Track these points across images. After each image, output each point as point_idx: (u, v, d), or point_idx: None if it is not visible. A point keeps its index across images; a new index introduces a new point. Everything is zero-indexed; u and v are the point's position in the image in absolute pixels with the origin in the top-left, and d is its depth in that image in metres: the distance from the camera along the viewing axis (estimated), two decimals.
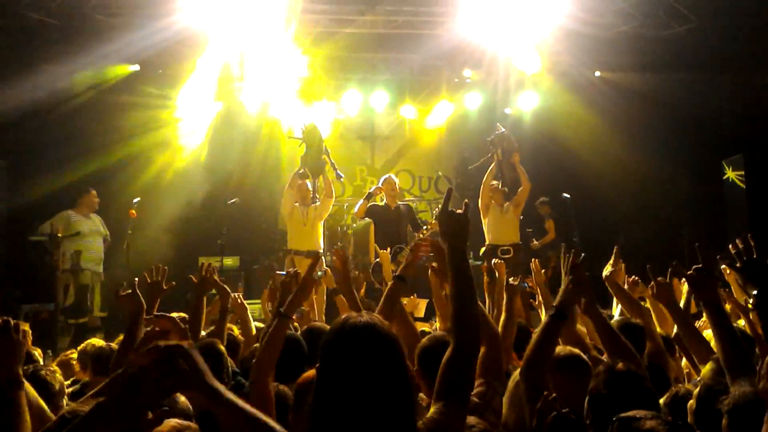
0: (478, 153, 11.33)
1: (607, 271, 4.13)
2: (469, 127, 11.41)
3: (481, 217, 8.17)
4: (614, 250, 4.28)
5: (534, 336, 2.48)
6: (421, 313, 6.03)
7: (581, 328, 4.27)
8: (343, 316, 1.81)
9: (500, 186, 8.25)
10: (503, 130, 8.53)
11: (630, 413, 1.85)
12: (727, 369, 2.47)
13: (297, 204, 7.94)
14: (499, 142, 8.37)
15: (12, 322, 2.09)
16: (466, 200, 2.21)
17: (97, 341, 4.15)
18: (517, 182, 8.47)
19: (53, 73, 8.88)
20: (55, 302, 7.60)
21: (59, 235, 7.76)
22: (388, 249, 7.62)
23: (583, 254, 2.73)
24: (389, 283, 3.04)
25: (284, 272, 3.49)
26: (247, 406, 1.51)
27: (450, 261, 2.08)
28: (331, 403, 1.69)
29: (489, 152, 8.51)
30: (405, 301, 5.43)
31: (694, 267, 2.70)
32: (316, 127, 8.30)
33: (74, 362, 4.16)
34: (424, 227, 8.13)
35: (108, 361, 3.38)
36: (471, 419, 2.44)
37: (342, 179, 8.67)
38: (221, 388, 1.49)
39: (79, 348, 4.18)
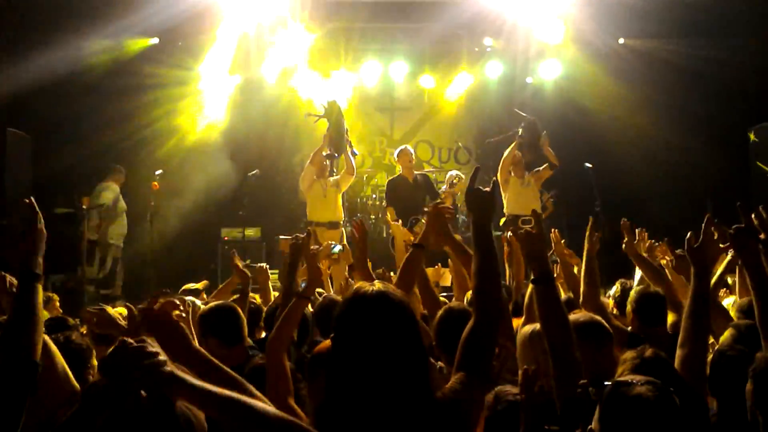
0: (498, 124, 11.23)
1: (625, 244, 4.08)
2: (490, 96, 11.29)
3: (501, 190, 8.15)
4: (623, 224, 4.17)
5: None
6: (448, 282, 6.01)
7: (606, 299, 4.26)
8: (355, 286, 1.83)
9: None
10: (530, 117, 8.36)
11: (625, 378, 1.84)
12: (762, 331, 2.43)
13: (315, 177, 7.98)
14: (527, 132, 8.23)
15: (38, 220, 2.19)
16: (495, 177, 2.25)
17: (123, 309, 4.22)
18: (536, 165, 8.42)
19: (74, 47, 8.92)
20: (81, 272, 7.77)
21: (84, 207, 7.91)
22: (399, 221, 7.67)
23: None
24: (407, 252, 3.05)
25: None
26: (216, 389, 1.51)
27: (474, 236, 2.12)
28: (346, 373, 1.71)
29: (511, 131, 8.38)
30: (430, 271, 5.44)
31: (735, 226, 2.60)
32: (337, 103, 8.27)
33: None
34: (442, 192, 8.15)
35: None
36: (508, 388, 2.46)
37: (356, 155, 8.64)
38: (187, 377, 1.49)
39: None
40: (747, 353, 2.33)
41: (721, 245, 2.79)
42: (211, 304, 3.60)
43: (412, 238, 6.95)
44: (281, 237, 8.06)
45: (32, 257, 2.15)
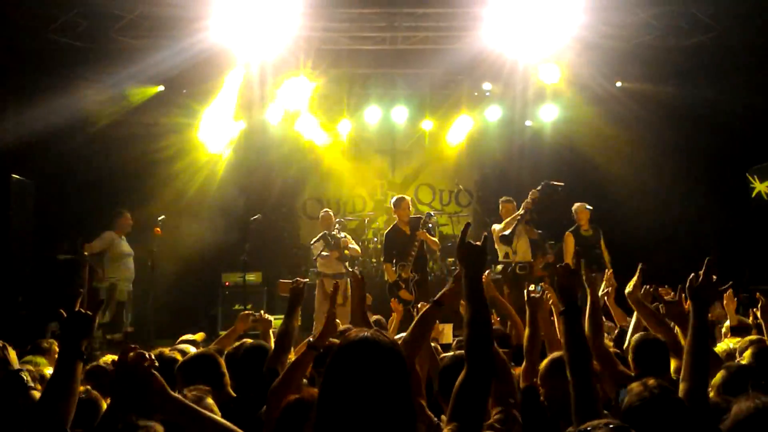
0: (499, 166, 11.34)
1: (629, 288, 4.03)
2: (490, 139, 11.43)
3: (494, 236, 8.12)
4: (639, 267, 4.09)
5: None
6: (449, 339, 5.88)
7: (609, 343, 4.20)
8: (347, 333, 1.84)
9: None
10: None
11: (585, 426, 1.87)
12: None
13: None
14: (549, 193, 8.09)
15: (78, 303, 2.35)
16: (486, 233, 2.28)
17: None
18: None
19: (80, 94, 9.07)
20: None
21: (86, 254, 7.93)
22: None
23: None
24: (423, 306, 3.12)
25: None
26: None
27: (466, 289, 2.14)
28: (332, 418, 1.70)
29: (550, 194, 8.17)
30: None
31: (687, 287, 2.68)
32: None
33: None
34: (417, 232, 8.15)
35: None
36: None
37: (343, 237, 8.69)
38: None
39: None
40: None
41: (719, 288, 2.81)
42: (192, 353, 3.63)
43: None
44: (281, 281, 8.21)
45: (81, 339, 2.30)
